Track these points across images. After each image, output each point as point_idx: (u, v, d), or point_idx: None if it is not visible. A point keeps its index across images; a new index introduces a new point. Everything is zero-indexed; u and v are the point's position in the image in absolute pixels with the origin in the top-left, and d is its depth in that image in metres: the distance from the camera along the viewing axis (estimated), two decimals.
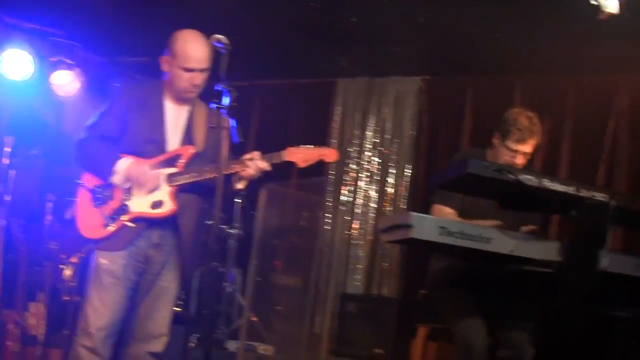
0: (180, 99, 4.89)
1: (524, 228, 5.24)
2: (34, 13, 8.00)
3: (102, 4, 7.49)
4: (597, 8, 4.63)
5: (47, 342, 6.85)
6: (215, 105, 4.28)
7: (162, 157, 4.80)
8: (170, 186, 4.75)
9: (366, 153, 9.17)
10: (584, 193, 4.15)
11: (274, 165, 4.81)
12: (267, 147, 4.87)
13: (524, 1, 6.49)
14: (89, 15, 7.85)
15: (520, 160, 5.30)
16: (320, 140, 9.11)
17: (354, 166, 9.18)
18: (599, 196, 4.17)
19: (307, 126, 9.47)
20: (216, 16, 7.26)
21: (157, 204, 4.73)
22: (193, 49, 4.72)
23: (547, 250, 4.33)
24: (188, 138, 4.90)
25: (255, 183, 7.88)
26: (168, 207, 4.73)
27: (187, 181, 4.75)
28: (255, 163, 4.73)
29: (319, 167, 8.83)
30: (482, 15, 6.85)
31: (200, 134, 4.91)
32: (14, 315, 6.65)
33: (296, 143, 4.91)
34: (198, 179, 4.74)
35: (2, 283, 6.60)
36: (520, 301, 5.12)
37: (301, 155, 4.86)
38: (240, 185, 4.90)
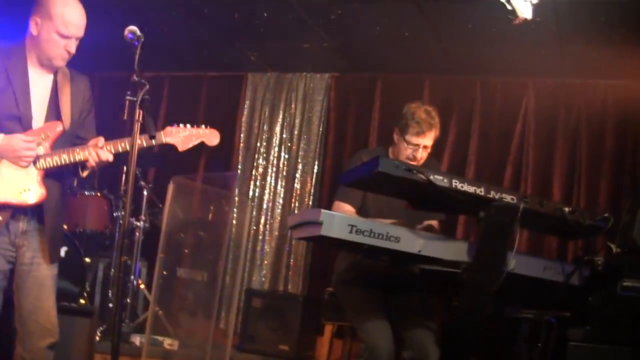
0: (47, 66, 4.53)
1: (425, 222, 5.29)
2: None
3: None
4: (512, 12, 4.69)
5: None
6: (130, 98, 4.07)
7: (27, 136, 4.41)
8: (38, 170, 4.43)
9: (274, 149, 9.16)
10: (493, 195, 4.20)
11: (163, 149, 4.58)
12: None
13: (434, 1, 6.54)
14: None
15: (420, 154, 5.33)
16: (229, 133, 9.09)
17: (262, 161, 9.17)
18: (508, 198, 4.23)
19: (215, 119, 9.40)
20: (127, 7, 7.19)
21: (24, 190, 4.38)
22: (73, 15, 4.42)
23: (455, 251, 4.37)
24: (54, 112, 4.54)
25: (163, 175, 7.83)
26: (37, 193, 4.42)
27: (57, 164, 4.44)
28: (98, 152, 4.43)
29: (227, 162, 8.86)
30: (392, 13, 6.88)
31: (66, 108, 4.56)
32: None
33: (191, 124, 4.71)
34: (68, 161, 4.45)
35: None
36: (427, 301, 5.17)
37: (180, 137, 4.60)
38: (84, 174, 4.58)
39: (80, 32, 4.48)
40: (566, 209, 4.35)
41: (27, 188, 4.42)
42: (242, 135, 9.29)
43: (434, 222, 5.35)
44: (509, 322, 4.87)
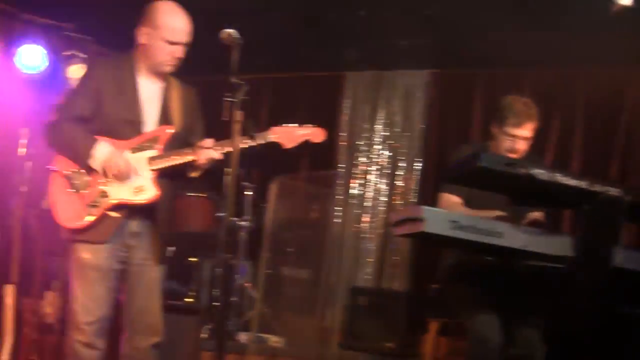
0: (156, 73, 4.75)
1: (530, 215, 5.23)
2: (48, 8, 8.02)
3: None
4: (610, 1, 4.61)
5: (62, 331, 6.86)
6: (228, 99, 4.18)
7: (140, 139, 4.65)
8: (152, 170, 4.61)
9: (376, 146, 9.16)
10: (597, 188, 4.12)
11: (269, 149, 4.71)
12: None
13: None
14: (99, 9, 7.85)
15: (520, 146, 5.27)
16: (330, 133, 9.11)
17: (364, 159, 9.17)
18: (613, 191, 4.13)
19: (316, 119, 9.39)
20: (225, 9, 7.27)
21: (138, 190, 4.58)
22: (180, 22, 4.63)
23: (560, 246, 4.30)
24: (164, 117, 4.74)
25: (266, 176, 7.91)
26: (150, 192, 4.60)
27: (168, 164, 4.62)
28: (206, 152, 4.60)
29: (329, 160, 8.89)
30: (490, 6, 6.82)
31: (176, 113, 4.76)
32: (30, 304, 6.67)
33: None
34: (179, 162, 4.63)
35: (19, 272, 6.61)
36: (533, 298, 5.10)
37: (286, 135, 4.73)
38: (194, 174, 4.75)
39: (186, 38, 4.67)
40: None
41: (142, 188, 4.60)
42: (343, 134, 9.31)
43: (539, 215, 5.29)
44: (617, 319, 4.77)
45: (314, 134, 4.83)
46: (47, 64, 8.20)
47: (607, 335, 4.43)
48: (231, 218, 4.26)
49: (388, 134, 9.13)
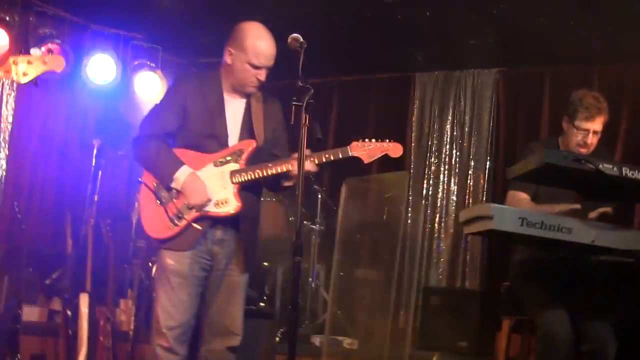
0: (240, 92, 4.86)
1: (599, 209, 5.21)
2: (116, 19, 8.18)
3: (180, 6, 7.60)
4: None
5: (136, 338, 6.98)
6: (296, 103, 4.24)
7: (224, 153, 4.75)
8: (234, 184, 4.71)
9: (446, 146, 9.17)
10: None
11: (347, 160, 4.78)
12: (346, 144, 4.82)
13: None
14: (168, 19, 7.98)
15: (591, 140, 5.27)
16: (400, 134, 9.15)
17: (434, 160, 9.19)
18: None
19: (385, 121, 9.50)
20: (290, 15, 7.34)
21: (221, 202, 4.69)
22: (265, 47, 4.70)
23: (629, 240, 4.30)
24: (248, 131, 4.84)
25: (336, 178, 7.97)
26: (233, 205, 4.69)
27: (251, 178, 4.72)
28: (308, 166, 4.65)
29: (400, 161, 8.89)
30: (555, 3, 6.80)
31: (259, 127, 4.85)
32: (105, 312, 6.78)
33: (376, 138, 4.86)
34: (262, 175, 4.72)
35: (93, 280, 6.74)
36: (603, 292, 5.08)
37: (366, 150, 4.78)
38: (287, 183, 4.83)
39: (270, 62, 4.76)
40: None
41: (225, 201, 4.71)
42: (413, 134, 9.35)
43: (608, 209, 5.27)
44: None
45: (393, 148, 4.85)
46: (116, 73, 8.36)
47: None
48: (303, 222, 4.31)
49: (457, 133, 9.13)
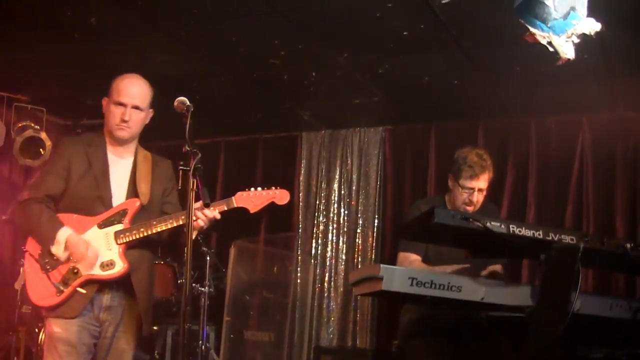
0: (120, 145, 4.81)
1: (489, 268, 5.26)
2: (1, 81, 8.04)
3: (62, 69, 7.50)
4: (555, 54, 4.68)
5: None
6: (183, 168, 4.18)
7: (107, 214, 4.68)
8: (119, 244, 4.64)
9: (334, 205, 9.18)
10: (552, 237, 4.16)
11: (234, 211, 4.75)
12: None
13: (479, 47, 6.54)
14: (52, 80, 7.86)
15: (476, 198, 5.34)
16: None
17: (322, 219, 9.19)
18: (568, 239, 4.18)
19: (273, 180, 9.36)
20: (175, 75, 7.29)
21: (107, 265, 4.60)
22: (126, 84, 4.71)
23: (518, 295, 4.33)
24: (133, 191, 4.78)
25: (225, 239, 7.92)
26: (119, 267, 4.61)
27: (136, 238, 4.65)
28: (205, 213, 4.62)
29: (288, 222, 8.90)
30: (439, 62, 6.90)
31: (145, 186, 4.80)
32: None
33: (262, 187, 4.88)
34: (147, 233, 4.66)
35: None
36: (495, 348, 5.10)
37: (251, 199, 4.77)
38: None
39: (134, 100, 4.72)
40: (628, 245, 4.28)
41: (111, 262, 4.63)
42: (300, 194, 9.34)
43: (498, 267, 5.33)
44: None
45: (279, 196, 4.86)
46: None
47: None
48: (192, 285, 4.24)
49: (345, 192, 9.15)
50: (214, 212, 4.65)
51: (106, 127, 4.80)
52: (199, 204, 4.48)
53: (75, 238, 4.57)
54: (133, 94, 4.71)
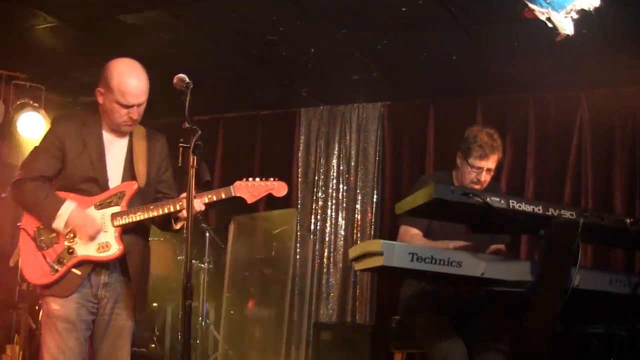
0: (118, 132, 4.75)
1: (492, 247, 5.27)
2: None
3: (62, 46, 7.49)
4: (555, 29, 4.69)
5: None
6: (183, 145, 4.15)
7: (104, 196, 4.66)
8: (115, 227, 4.63)
9: (332, 181, 9.18)
10: (551, 212, 4.17)
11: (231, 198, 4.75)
12: (232, 181, 4.79)
13: (478, 24, 6.53)
14: (50, 57, 7.84)
15: (484, 177, 5.35)
16: (286, 169, 9.14)
17: (321, 195, 9.19)
18: (567, 214, 4.18)
19: (271, 157, 9.49)
20: (176, 52, 7.29)
21: (103, 247, 4.60)
22: (130, 85, 4.57)
23: (518, 271, 4.34)
24: (130, 172, 4.75)
25: (224, 216, 7.91)
26: (115, 249, 4.61)
27: (132, 221, 4.65)
28: (194, 205, 4.48)
29: (287, 198, 8.88)
30: (437, 38, 6.88)
31: (142, 167, 4.78)
32: None
33: (261, 174, 4.88)
34: (144, 218, 4.65)
35: None
36: (495, 323, 5.13)
37: (249, 190, 4.77)
38: (177, 226, 4.78)
39: (139, 99, 4.63)
40: (628, 221, 4.29)
41: (106, 244, 4.62)
42: (299, 170, 9.34)
43: (501, 246, 5.33)
44: (579, 339, 4.80)
45: (277, 188, 4.85)
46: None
47: (568, 356, 4.47)
48: (192, 262, 4.24)
49: (344, 168, 9.16)
50: (199, 205, 4.61)
51: (106, 117, 4.71)
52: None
53: (80, 212, 4.57)
54: (138, 93, 4.61)
